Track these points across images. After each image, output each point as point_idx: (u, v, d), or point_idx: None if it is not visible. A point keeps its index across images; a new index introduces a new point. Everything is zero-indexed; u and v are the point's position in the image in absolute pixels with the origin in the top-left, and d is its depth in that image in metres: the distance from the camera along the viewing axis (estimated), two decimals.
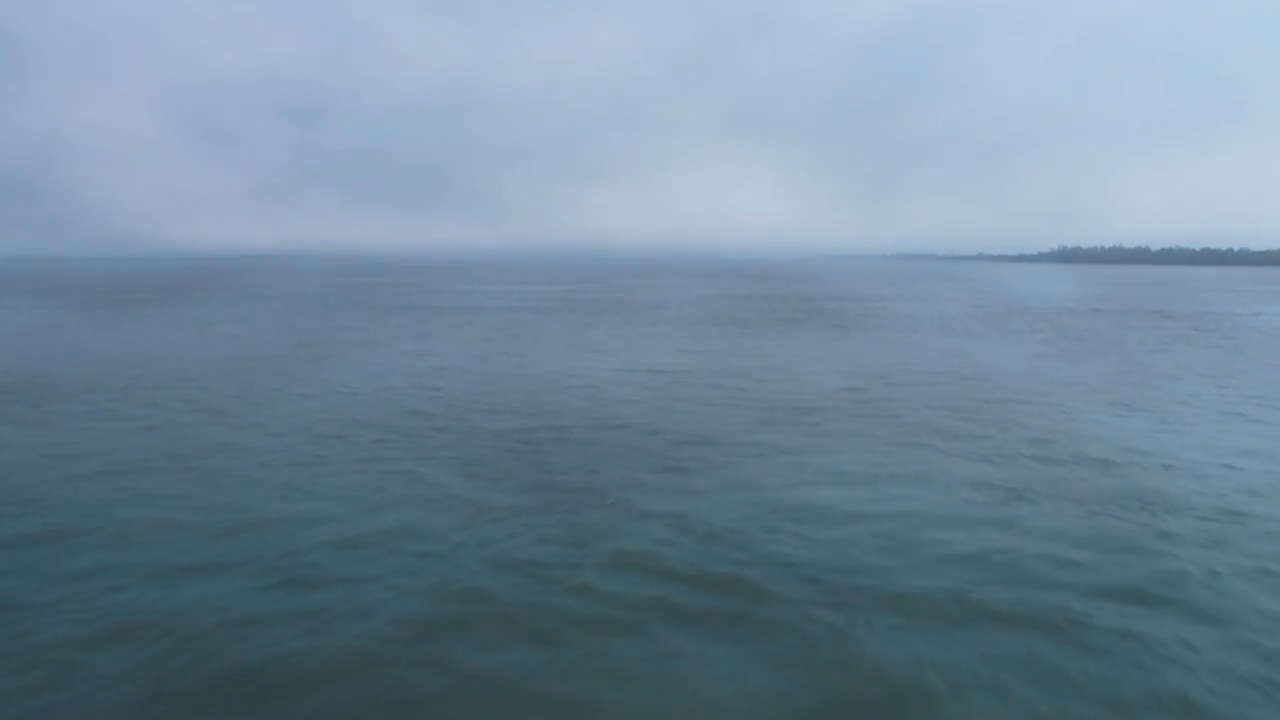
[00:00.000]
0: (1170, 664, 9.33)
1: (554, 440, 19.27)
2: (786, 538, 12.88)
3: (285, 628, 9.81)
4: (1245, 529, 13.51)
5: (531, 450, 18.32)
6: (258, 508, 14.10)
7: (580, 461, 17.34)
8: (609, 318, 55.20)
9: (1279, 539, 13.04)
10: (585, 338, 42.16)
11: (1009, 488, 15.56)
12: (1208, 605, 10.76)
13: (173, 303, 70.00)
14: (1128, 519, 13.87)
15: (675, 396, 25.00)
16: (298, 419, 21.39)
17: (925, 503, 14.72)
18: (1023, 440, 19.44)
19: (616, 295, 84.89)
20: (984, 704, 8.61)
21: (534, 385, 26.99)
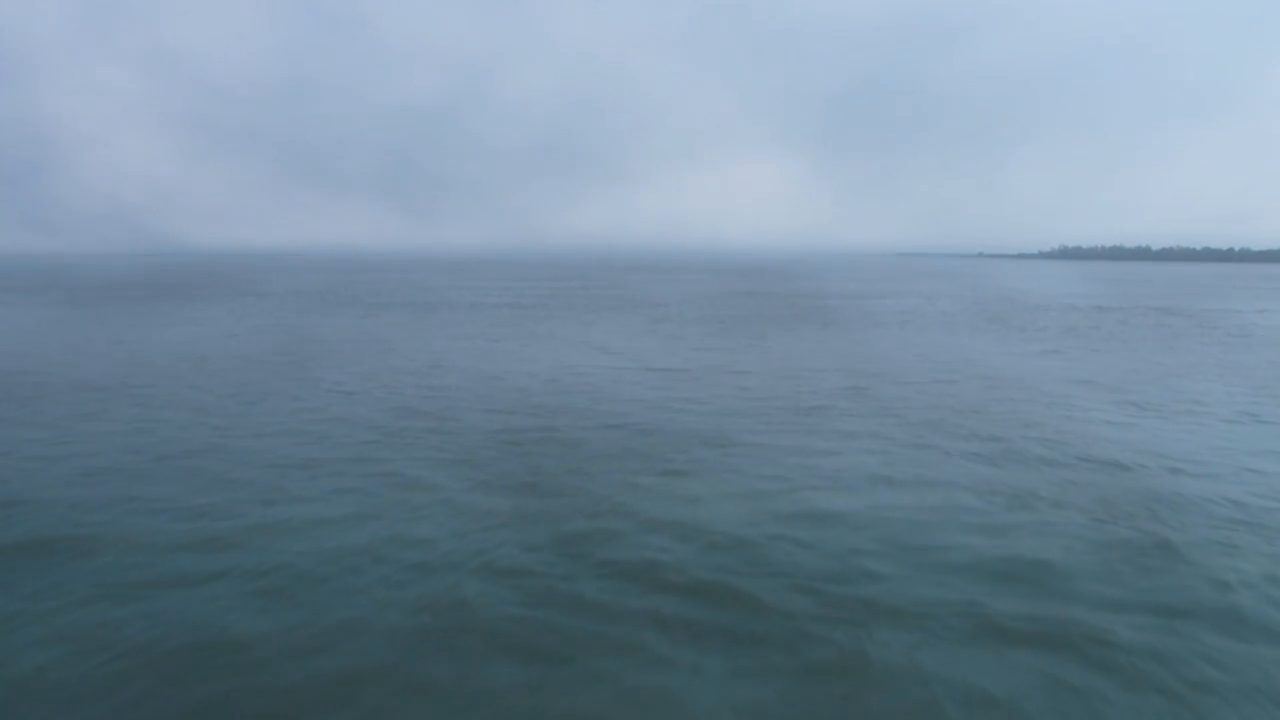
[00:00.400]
0: (1195, 687, 8.85)
1: (546, 441, 18.76)
2: (787, 545, 12.39)
3: (264, 647, 9.30)
4: (1266, 535, 13.04)
5: (524, 452, 17.82)
6: (241, 514, 13.60)
7: (573, 464, 16.85)
8: (608, 315, 54.70)
9: None
10: (583, 335, 41.67)
11: (1017, 492, 15.07)
12: (1230, 617, 10.29)
13: (170, 300, 69.52)
14: (1142, 525, 13.38)
15: (673, 395, 24.50)
16: (288, 419, 20.90)
17: (931, 507, 14.23)
18: (1031, 441, 18.95)
19: (618, 292, 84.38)
20: None
21: (528, 384, 26.49)
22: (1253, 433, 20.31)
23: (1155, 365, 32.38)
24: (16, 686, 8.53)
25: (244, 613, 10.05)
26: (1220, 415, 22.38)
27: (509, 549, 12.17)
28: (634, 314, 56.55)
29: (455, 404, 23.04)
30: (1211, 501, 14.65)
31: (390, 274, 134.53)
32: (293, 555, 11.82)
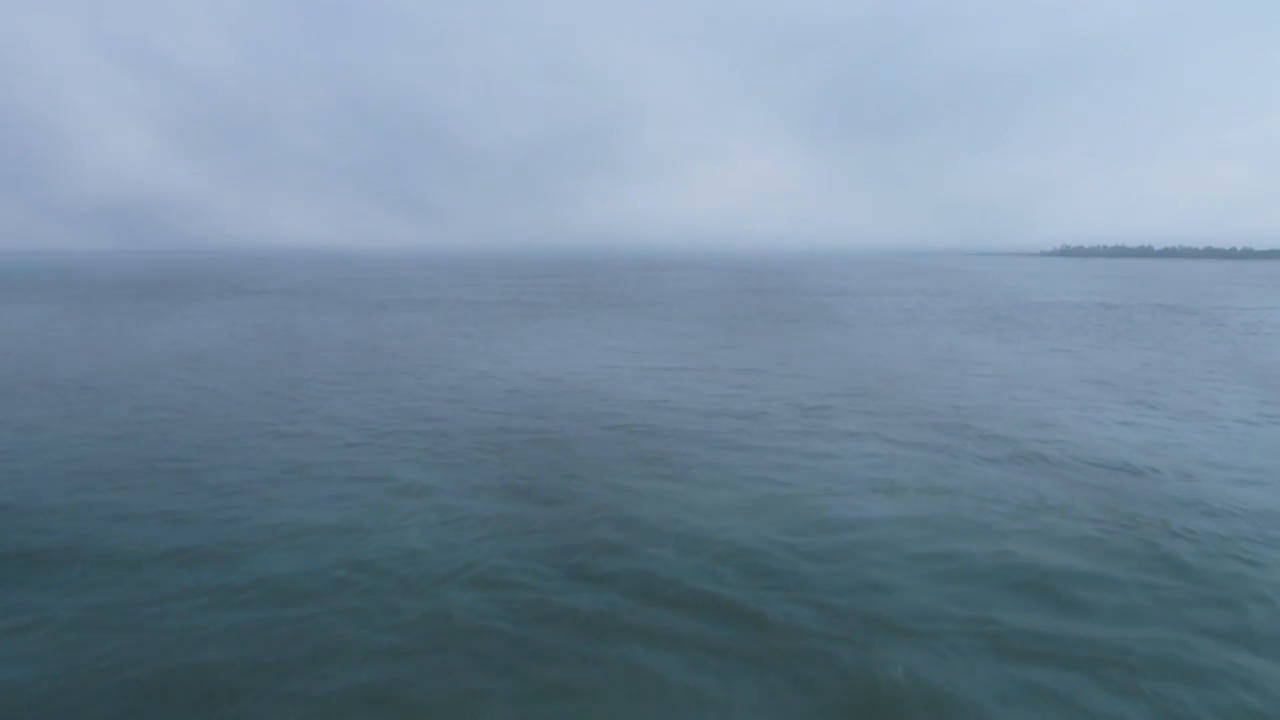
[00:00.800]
0: (1216, 710, 8.31)
1: (537, 443, 18.19)
2: (787, 552, 11.83)
3: (239, 670, 8.72)
4: None
5: (513, 454, 17.26)
6: (217, 522, 13.03)
7: (563, 467, 16.27)
8: (607, 313, 54.16)
9: None
10: (580, 332, 41.13)
11: (1028, 497, 14.49)
12: (1257, 632, 9.75)
13: (159, 298, 69.04)
14: (1156, 533, 12.81)
15: (669, 394, 23.97)
16: (271, 421, 20.39)
17: (942, 513, 13.66)
18: (1042, 443, 18.35)
19: (621, 289, 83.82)
20: None
21: (521, 384, 25.96)
22: (1267, 434, 19.74)
23: (1165, 364, 31.79)
24: None
25: (212, 636, 9.46)
26: (1234, 415, 21.82)
27: (498, 559, 11.62)
28: (633, 310, 56.06)
29: (451, 405, 22.51)
30: (1227, 507, 14.10)
31: (404, 272, 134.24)
32: (272, 568, 11.27)
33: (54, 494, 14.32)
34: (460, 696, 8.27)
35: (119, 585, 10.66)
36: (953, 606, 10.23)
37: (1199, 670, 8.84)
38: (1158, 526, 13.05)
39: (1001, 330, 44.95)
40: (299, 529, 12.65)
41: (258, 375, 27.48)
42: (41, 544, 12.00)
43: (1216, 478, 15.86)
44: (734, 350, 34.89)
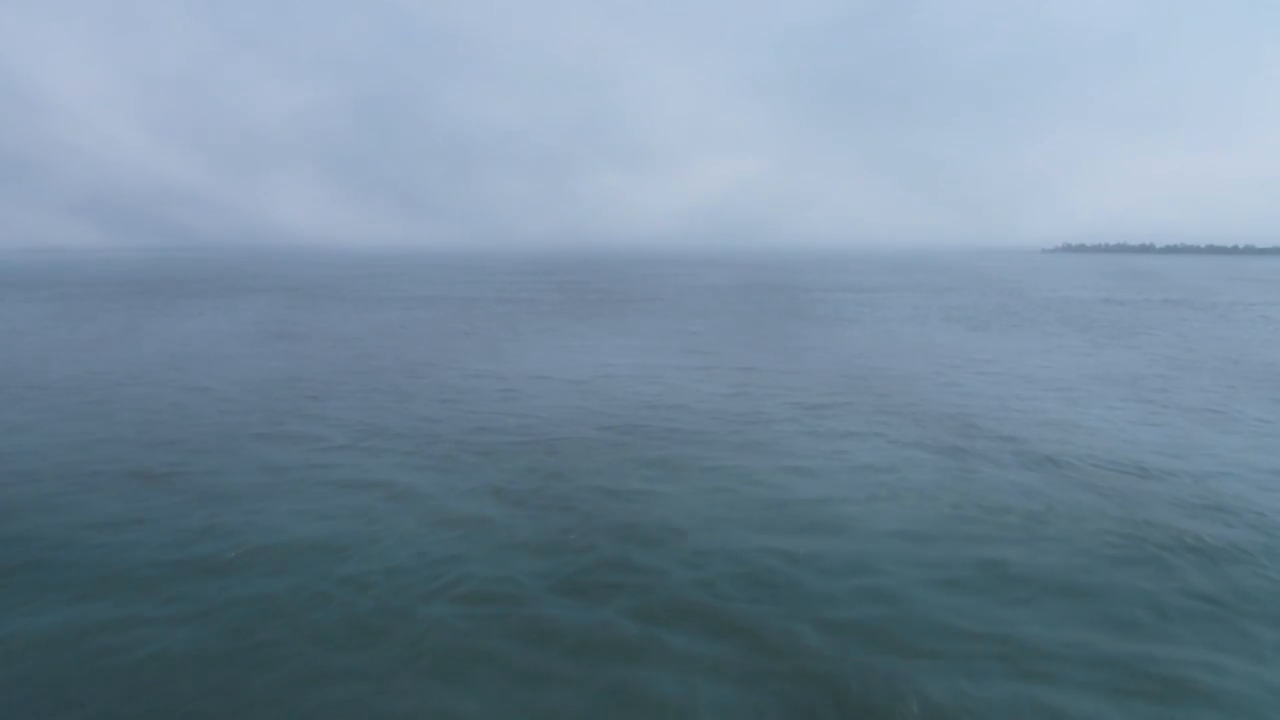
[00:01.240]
0: None
1: (530, 445, 17.54)
2: (788, 563, 11.19)
3: (205, 704, 8.10)
4: None
5: (504, 457, 16.63)
6: (190, 536, 12.35)
7: (556, 471, 15.61)
8: (610, 312, 53.47)
9: None
10: (577, 330, 40.46)
11: (1041, 502, 13.85)
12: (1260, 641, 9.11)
13: (157, 296, 68.38)
14: (1182, 541, 12.13)
15: (664, 394, 23.33)
16: (265, 420, 19.77)
17: (950, 518, 13.01)
18: (1055, 443, 17.72)
19: (637, 288, 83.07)
20: None
21: (511, 384, 25.32)
22: None
23: (1175, 360, 31.09)
24: None
25: (190, 656, 8.79)
26: (1250, 414, 21.15)
27: (487, 570, 10.98)
28: (637, 308, 55.34)
29: (435, 405, 21.89)
30: (1250, 514, 13.43)
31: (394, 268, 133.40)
32: (247, 585, 10.62)
33: (25, 501, 13.71)
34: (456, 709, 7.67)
35: (81, 604, 10.03)
36: (964, 621, 9.60)
37: (1228, 695, 8.21)
38: (1177, 534, 12.40)
39: (1008, 326, 44.24)
40: (278, 540, 11.99)
41: (250, 375, 26.85)
42: (3, 559, 11.39)
43: (1236, 481, 15.19)
44: (734, 349, 34.22)
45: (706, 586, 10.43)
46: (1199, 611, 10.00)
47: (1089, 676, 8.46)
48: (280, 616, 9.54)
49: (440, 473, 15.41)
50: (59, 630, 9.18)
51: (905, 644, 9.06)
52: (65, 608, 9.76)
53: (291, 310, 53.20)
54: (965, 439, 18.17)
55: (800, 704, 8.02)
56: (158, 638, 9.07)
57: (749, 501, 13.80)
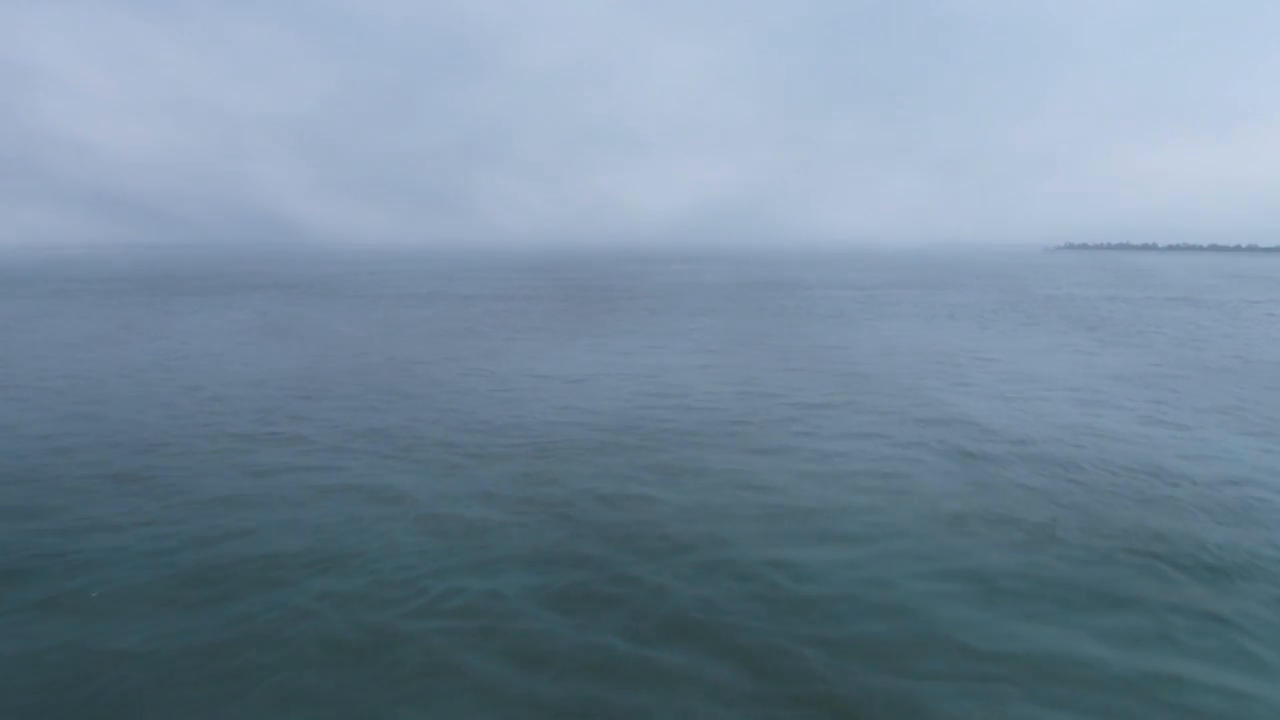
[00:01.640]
0: None
1: (518, 448, 17.05)
2: (791, 576, 10.70)
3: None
4: None
5: (492, 458, 16.15)
6: (173, 546, 11.90)
7: (550, 476, 15.15)
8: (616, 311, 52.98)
9: None
10: (574, 330, 39.94)
11: (1055, 509, 13.34)
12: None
13: (154, 293, 67.90)
14: (1205, 551, 11.58)
15: (658, 395, 22.83)
16: (246, 423, 19.30)
17: (960, 526, 12.53)
18: (1069, 445, 17.19)
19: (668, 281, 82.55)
20: None
21: (504, 384, 24.83)
22: None
23: (1187, 360, 30.56)
24: None
25: (165, 682, 8.33)
26: (1268, 415, 20.63)
27: (478, 584, 10.49)
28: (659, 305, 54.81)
29: (428, 406, 21.40)
30: (1270, 521, 12.93)
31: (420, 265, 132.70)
32: (232, 600, 10.14)
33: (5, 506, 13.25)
34: None
35: (48, 619, 9.53)
36: (973, 638, 9.10)
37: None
38: (1198, 543, 11.89)
39: (1015, 324, 43.68)
40: (260, 551, 11.46)
41: (241, 374, 26.38)
42: None
43: (1256, 486, 14.66)
44: (735, 347, 33.70)
45: (705, 601, 9.93)
46: (1220, 628, 9.51)
47: (1106, 701, 7.98)
48: (257, 634, 9.05)
49: (430, 477, 14.92)
50: (23, 644, 8.72)
51: (912, 663, 8.57)
52: (33, 624, 9.29)
53: (288, 307, 52.72)
54: (973, 441, 17.68)
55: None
56: (126, 656, 8.58)
57: (748, 509, 13.31)
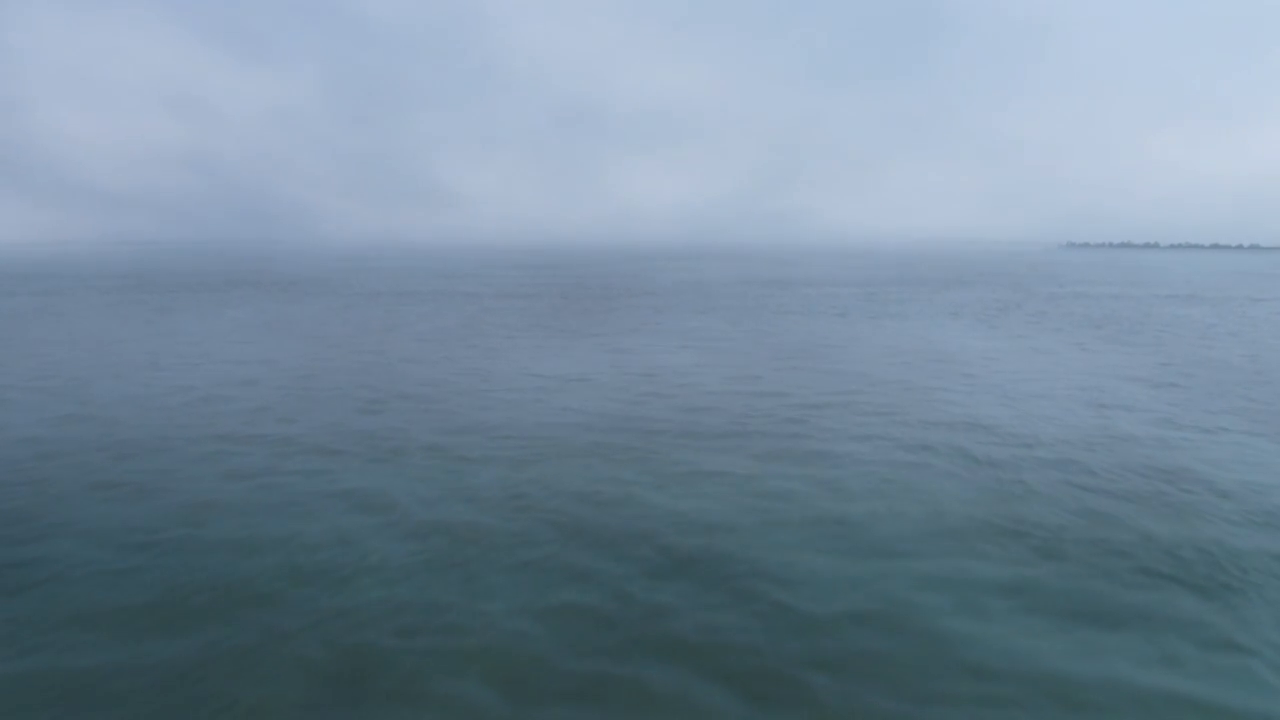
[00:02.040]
0: None
1: (509, 451, 16.54)
2: (779, 583, 10.23)
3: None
4: None
5: (482, 462, 15.64)
6: (142, 552, 11.42)
7: (538, 477, 14.64)
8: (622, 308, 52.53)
9: None
10: (571, 329, 39.48)
11: (1061, 515, 12.86)
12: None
13: (149, 291, 67.47)
14: (1230, 565, 11.07)
15: (646, 397, 22.34)
16: (227, 425, 18.82)
17: (963, 532, 12.04)
18: (1075, 446, 16.71)
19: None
20: None
21: (496, 383, 24.36)
22: None
23: (1210, 360, 30.05)
24: None
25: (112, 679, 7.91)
26: (1277, 413, 20.13)
27: (465, 602, 10.01)
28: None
29: (418, 407, 20.92)
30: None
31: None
32: (179, 631, 9.67)
33: None
34: None
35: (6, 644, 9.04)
36: (985, 656, 8.60)
37: None
38: (1219, 555, 11.37)
39: (1024, 322, 43.17)
40: (230, 575, 10.84)
41: (228, 374, 25.91)
42: None
43: (1264, 494, 14.17)
44: (732, 346, 33.22)
45: (700, 618, 9.43)
46: (1238, 649, 9.01)
47: None
48: (226, 657, 8.55)
49: (418, 482, 14.41)
50: None
51: (916, 684, 8.06)
52: None
53: (282, 305, 52.28)
54: (979, 445, 17.19)
55: None
56: (84, 681, 8.09)
57: (746, 517, 12.81)
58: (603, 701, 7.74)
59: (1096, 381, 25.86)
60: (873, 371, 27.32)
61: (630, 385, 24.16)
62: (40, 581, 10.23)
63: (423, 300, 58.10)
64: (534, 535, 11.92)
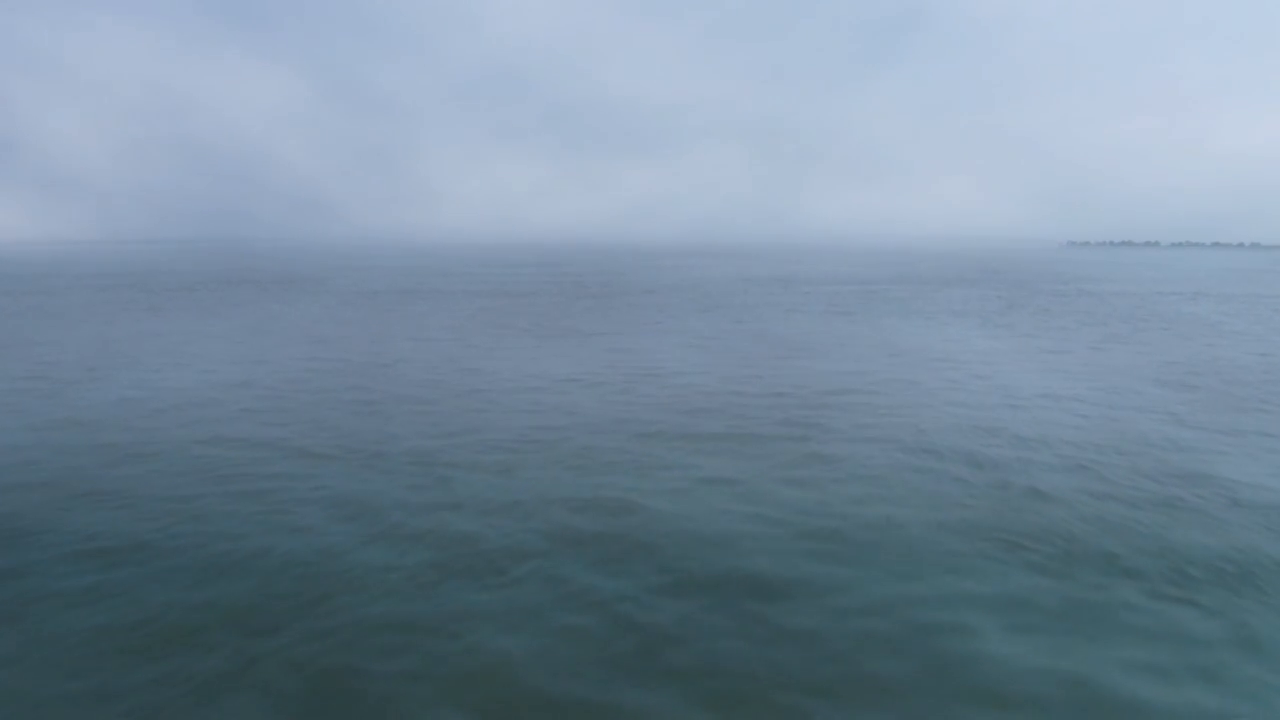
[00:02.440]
0: None
1: (498, 454, 16.03)
2: (777, 595, 9.72)
3: None
4: None
5: (469, 466, 15.13)
6: (102, 569, 10.92)
7: (526, 479, 14.11)
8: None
9: None
10: (568, 327, 38.92)
11: (1075, 523, 12.35)
12: None
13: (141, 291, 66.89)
14: (1264, 575, 10.60)
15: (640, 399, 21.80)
16: (207, 428, 18.30)
17: (971, 539, 11.52)
18: (1085, 448, 16.17)
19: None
20: None
21: (482, 385, 23.82)
22: None
23: (1204, 356, 29.51)
24: None
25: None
26: None
27: (421, 609, 9.50)
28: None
29: (401, 409, 20.38)
30: None
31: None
32: (139, 664, 9.13)
33: None
34: None
35: None
36: (991, 676, 8.09)
37: None
38: (1236, 562, 10.84)
39: (1029, 321, 42.60)
40: (211, 585, 10.43)
41: (211, 376, 25.38)
42: None
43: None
44: (730, 346, 32.67)
45: (694, 637, 8.92)
46: (1262, 659, 8.50)
47: None
48: (193, 689, 8.03)
49: (405, 488, 13.88)
50: None
51: (921, 708, 7.57)
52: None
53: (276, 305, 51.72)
54: (986, 448, 16.67)
55: None
56: None
57: (743, 525, 12.29)
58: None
59: (1106, 381, 25.33)
60: (875, 371, 26.80)
61: (628, 386, 23.65)
62: (4, 601, 9.73)
63: (420, 299, 57.57)
64: (524, 547, 11.41)
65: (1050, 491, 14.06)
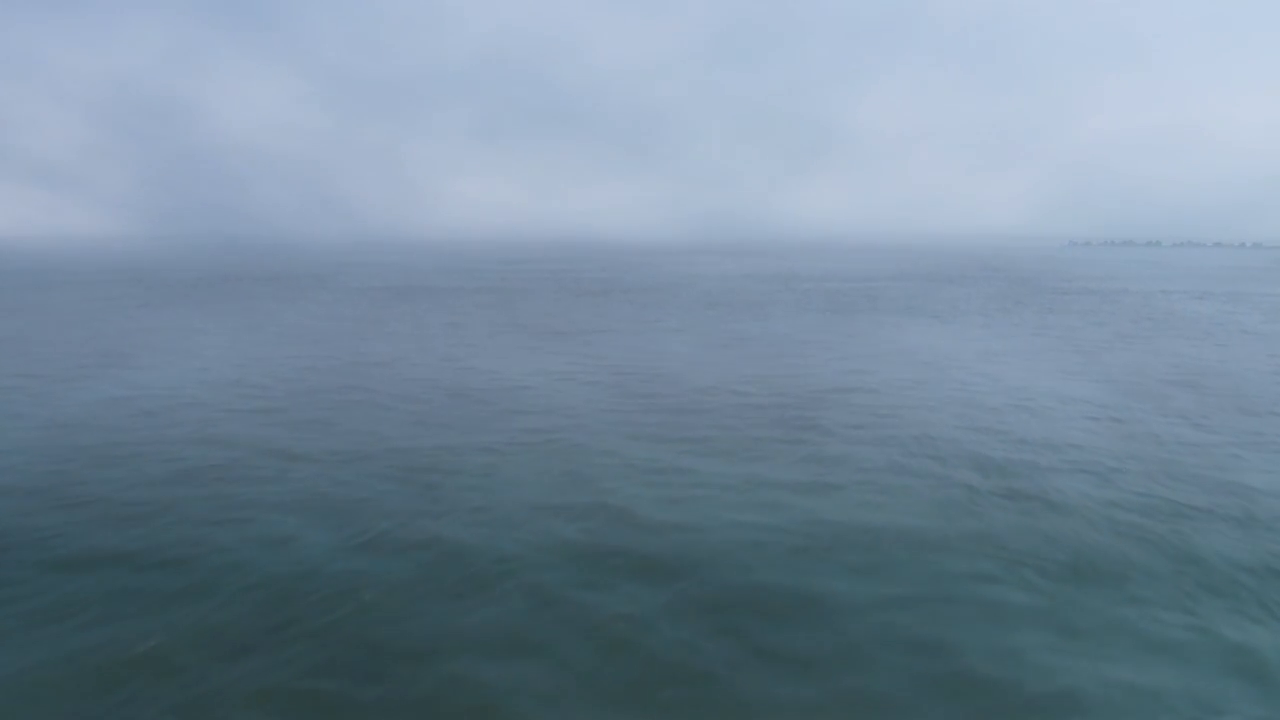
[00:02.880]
0: None
1: (485, 455, 15.59)
2: (765, 612, 9.25)
3: None
4: None
5: (454, 469, 14.68)
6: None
7: (509, 482, 13.65)
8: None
9: None
10: (564, 328, 38.44)
11: (1067, 542, 11.88)
12: None
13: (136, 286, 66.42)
14: (1257, 596, 10.15)
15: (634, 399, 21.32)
16: (188, 428, 17.83)
17: (976, 546, 11.05)
18: (1080, 449, 15.72)
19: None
20: None
21: (474, 384, 23.36)
22: None
23: (1213, 357, 29.04)
24: None
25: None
26: None
27: (402, 627, 9.02)
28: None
29: (388, 409, 19.90)
30: None
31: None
32: (107, 695, 8.67)
33: None
34: None
35: None
36: (998, 691, 7.64)
37: None
38: (1251, 569, 10.41)
39: (1034, 320, 42.12)
40: (179, 606, 9.97)
41: (198, 375, 24.89)
42: None
43: None
44: (729, 345, 32.20)
45: (689, 655, 8.49)
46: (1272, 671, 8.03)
47: None
48: None
49: (391, 493, 13.44)
50: None
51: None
52: None
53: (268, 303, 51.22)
54: (992, 450, 16.27)
55: None
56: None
57: (741, 532, 11.86)
58: None
59: (1114, 383, 24.87)
60: (877, 370, 26.36)
61: (624, 384, 23.18)
62: None
63: (417, 297, 57.12)
64: (510, 561, 10.95)
65: (1061, 500, 13.59)
